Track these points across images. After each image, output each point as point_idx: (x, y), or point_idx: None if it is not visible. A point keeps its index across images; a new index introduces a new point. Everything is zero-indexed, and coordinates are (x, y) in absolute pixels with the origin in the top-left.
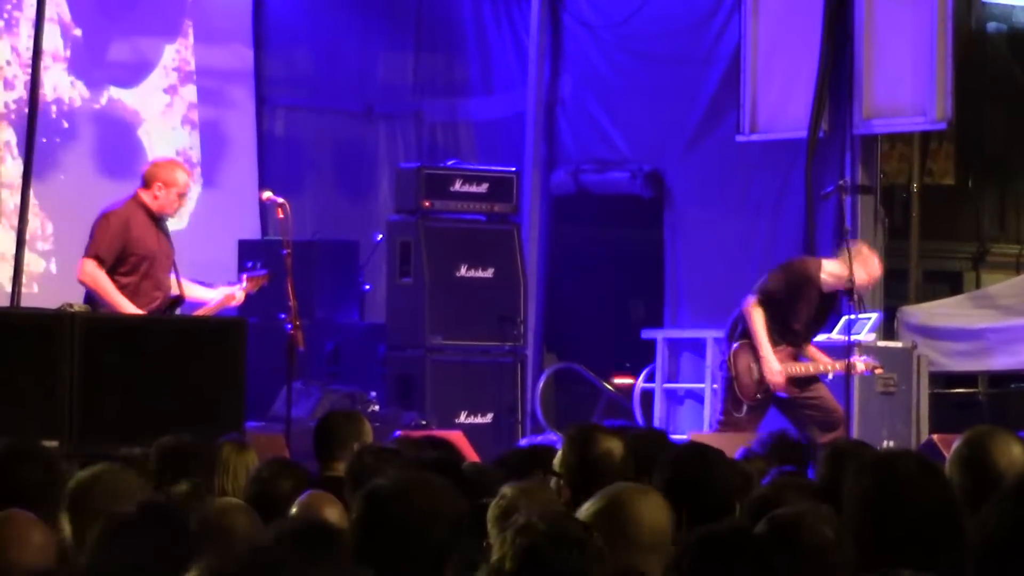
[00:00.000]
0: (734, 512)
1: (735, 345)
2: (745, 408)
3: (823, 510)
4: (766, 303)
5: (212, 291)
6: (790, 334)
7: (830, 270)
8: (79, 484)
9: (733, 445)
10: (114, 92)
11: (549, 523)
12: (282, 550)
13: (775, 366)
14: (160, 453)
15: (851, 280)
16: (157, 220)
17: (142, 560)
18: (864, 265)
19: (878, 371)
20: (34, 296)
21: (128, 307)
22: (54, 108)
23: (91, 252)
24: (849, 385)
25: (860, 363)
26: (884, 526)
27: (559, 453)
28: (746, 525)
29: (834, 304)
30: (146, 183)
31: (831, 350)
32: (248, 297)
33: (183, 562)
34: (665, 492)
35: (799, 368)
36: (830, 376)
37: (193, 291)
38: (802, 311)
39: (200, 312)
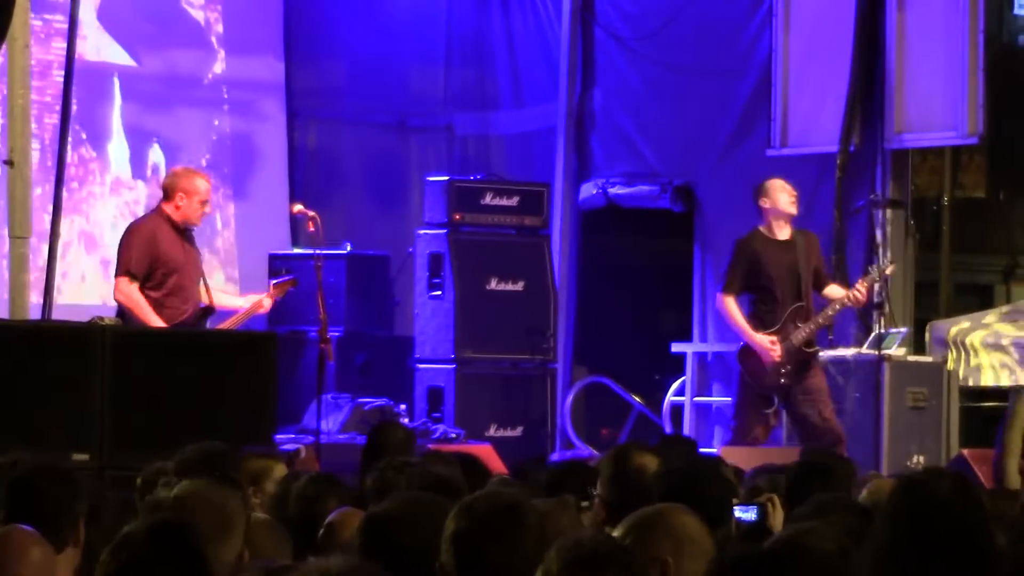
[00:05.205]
0: (728, 526)
1: (738, 347)
2: (775, 400)
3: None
4: (736, 291)
5: (240, 299)
6: (788, 302)
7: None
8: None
9: (760, 460)
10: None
11: (591, 543)
12: None
13: (763, 341)
14: (183, 463)
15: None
16: (182, 231)
17: None
18: (783, 189)
19: (889, 270)
20: None
21: (160, 325)
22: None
23: (121, 270)
24: (879, 400)
25: (861, 289)
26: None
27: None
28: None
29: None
30: (167, 195)
31: (860, 363)
32: (277, 308)
33: None
34: None
35: (804, 331)
36: (852, 304)
37: (222, 300)
38: (774, 274)
39: (229, 321)
